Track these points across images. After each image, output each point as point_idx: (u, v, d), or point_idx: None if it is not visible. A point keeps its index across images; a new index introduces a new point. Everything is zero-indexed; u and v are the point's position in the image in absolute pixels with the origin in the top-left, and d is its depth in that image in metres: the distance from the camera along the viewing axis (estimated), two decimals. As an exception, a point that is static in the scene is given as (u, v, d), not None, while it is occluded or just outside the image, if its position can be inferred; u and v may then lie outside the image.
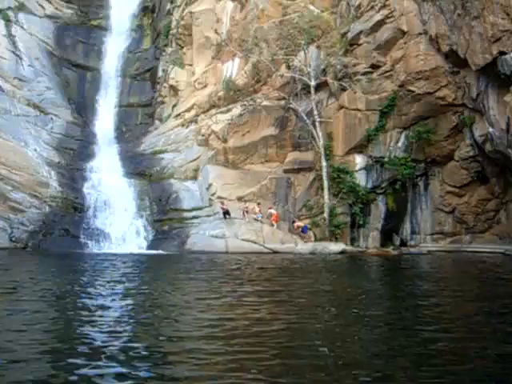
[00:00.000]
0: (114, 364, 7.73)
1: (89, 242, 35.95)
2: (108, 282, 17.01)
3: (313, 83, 39.54)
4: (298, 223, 38.05)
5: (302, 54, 40.73)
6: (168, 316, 11.36)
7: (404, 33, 38.02)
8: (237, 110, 42.46)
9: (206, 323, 10.66)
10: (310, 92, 39.84)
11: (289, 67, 41.79)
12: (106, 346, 8.63)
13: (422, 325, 10.78)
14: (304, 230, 37.75)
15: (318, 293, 15.78)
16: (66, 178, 39.37)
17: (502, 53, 30.15)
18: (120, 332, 9.78)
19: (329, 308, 12.87)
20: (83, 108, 47.71)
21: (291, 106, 40.67)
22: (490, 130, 33.86)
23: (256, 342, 9.17)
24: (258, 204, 37.99)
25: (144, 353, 8.36)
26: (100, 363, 7.76)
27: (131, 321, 11.00)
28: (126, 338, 9.28)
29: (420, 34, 37.46)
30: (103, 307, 12.25)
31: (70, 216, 37.13)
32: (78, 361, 7.81)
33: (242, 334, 9.79)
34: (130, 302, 13.44)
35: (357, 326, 10.78)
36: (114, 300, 13.44)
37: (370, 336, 9.89)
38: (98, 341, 8.98)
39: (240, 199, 38.70)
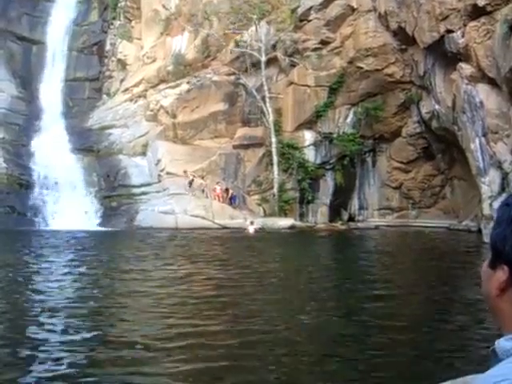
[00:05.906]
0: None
1: (36, 219, 35.35)
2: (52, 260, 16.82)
3: (263, 58, 39.39)
4: (229, 190, 37.61)
5: (253, 28, 40.47)
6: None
7: (353, 9, 38.17)
8: (186, 85, 42.04)
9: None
10: (260, 67, 39.71)
11: (237, 44, 41.44)
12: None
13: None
14: (233, 199, 37.60)
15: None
16: (10, 154, 38.42)
17: (450, 31, 30.50)
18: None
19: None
20: (29, 82, 46.43)
21: (241, 81, 40.50)
22: (437, 107, 34.39)
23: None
24: (217, 183, 37.64)
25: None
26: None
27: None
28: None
29: (369, 10, 37.67)
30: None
31: (15, 193, 36.36)
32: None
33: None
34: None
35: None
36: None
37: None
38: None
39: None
